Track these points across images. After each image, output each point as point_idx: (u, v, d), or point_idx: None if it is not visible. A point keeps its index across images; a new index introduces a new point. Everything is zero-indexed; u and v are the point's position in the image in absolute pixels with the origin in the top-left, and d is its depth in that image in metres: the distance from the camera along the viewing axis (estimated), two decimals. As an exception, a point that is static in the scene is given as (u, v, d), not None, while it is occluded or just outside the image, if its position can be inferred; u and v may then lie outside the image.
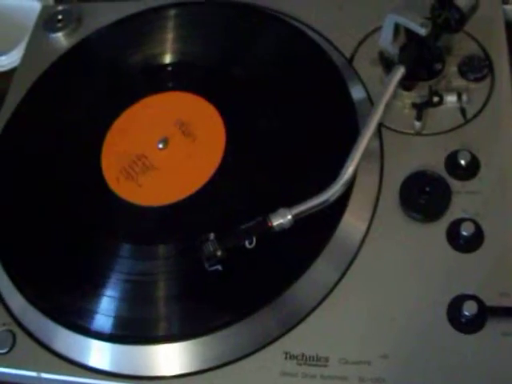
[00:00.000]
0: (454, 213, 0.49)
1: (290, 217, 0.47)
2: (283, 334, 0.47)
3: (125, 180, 0.55)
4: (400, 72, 0.52)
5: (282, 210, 0.47)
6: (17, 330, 0.51)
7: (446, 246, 0.48)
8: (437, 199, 0.50)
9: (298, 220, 0.48)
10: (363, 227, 0.50)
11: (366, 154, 0.50)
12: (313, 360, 0.46)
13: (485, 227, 0.48)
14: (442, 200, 0.49)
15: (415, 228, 0.49)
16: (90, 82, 0.63)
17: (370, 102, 0.55)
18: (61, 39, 0.67)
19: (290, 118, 0.55)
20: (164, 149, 0.56)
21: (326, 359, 0.46)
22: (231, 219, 0.49)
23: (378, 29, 0.58)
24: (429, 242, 0.49)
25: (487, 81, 0.54)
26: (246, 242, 0.47)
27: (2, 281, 0.53)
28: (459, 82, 0.54)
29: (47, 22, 0.68)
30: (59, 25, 0.67)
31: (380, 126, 0.54)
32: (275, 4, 0.63)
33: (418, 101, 0.54)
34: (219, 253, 0.46)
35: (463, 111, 0.53)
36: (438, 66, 0.54)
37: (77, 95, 0.63)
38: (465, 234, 0.48)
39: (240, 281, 0.49)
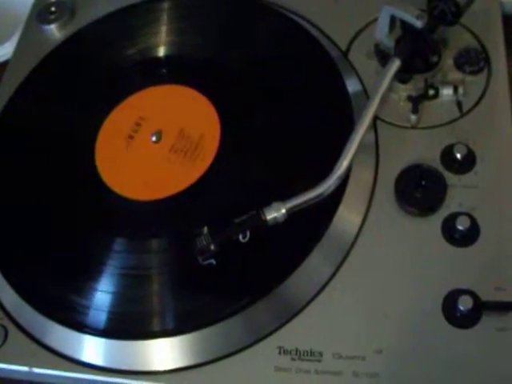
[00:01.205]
0: (449, 207, 0.49)
1: (283, 211, 0.46)
2: (277, 329, 0.47)
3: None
4: (396, 65, 0.52)
5: (275, 204, 0.47)
6: (9, 324, 0.50)
7: (441, 240, 0.48)
8: (432, 193, 0.49)
9: (292, 213, 0.47)
10: (358, 221, 0.50)
11: (361, 148, 0.49)
12: (307, 355, 0.45)
13: (480, 221, 0.48)
14: (438, 194, 0.49)
15: (410, 222, 0.49)
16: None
17: (366, 94, 0.55)
18: (54, 31, 0.66)
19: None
20: (157, 142, 0.56)
21: (320, 354, 0.45)
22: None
23: (373, 21, 0.57)
24: (424, 236, 0.48)
25: (484, 74, 0.54)
26: (240, 236, 0.46)
27: (-6, 275, 0.53)
28: (455, 75, 0.54)
29: (40, 13, 0.67)
30: (52, 17, 0.66)
31: (375, 119, 0.53)
32: (270, -5, 0.62)
33: (413, 94, 0.53)
34: (212, 247, 0.46)
35: (459, 104, 0.53)
36: (434, 59, 0.54)
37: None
38: (460, 228, 0.47)
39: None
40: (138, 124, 0.57)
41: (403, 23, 0.53)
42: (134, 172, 0.55)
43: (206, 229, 0.47)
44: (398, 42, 0.53)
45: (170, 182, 0.53)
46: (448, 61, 0.54)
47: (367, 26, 0.58)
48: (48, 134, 0.59)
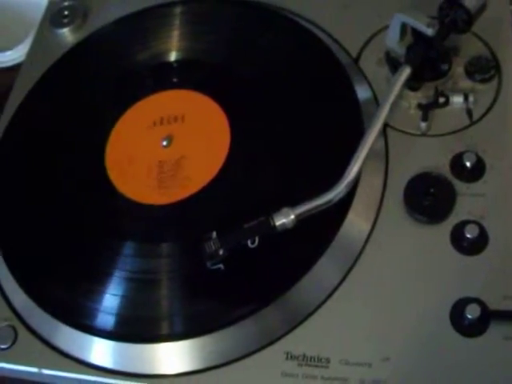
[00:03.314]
0: (458, 215, 0.49)
1: (292, 217, 0.47)
2: (285, 334, 0.47)
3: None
4: (406, 72, 0.52)
5: (285, 210, 0.47)
6: (19, 325, 0.51)
7: (449, 248, 0.48)
8: (441, 201, 0.49)
9: (301, 219, 0.47)
10: (367, 228, 0.50)
11: (371, 155, 0.49)
12: (314, 361, 0.46)
13: (489, 230, 0.48)
14: (447, 202, 0.49)
15: (419, 230, 0.49)
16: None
17: (376, 101, 0.55)
18: (67, 35, 0.67)
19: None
20: (168, 147, 0.56)
21: (328, 360, 0.45)
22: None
23: (384, 28, 0.57)
24: (433, 244, 0.48)
25: (494, 82, 0.54)
26: (248, 242, 0.47)
27: (5, 277, 0.53)
28: (466, 83, 0.54)
29: (53, 17, 0.68)
30: (65, 20, 0.67)
31: (385, 126, 0.53)
32: (281, 2, 0.63)
33: (423, 101, 0.53)
34: (221, 252, 0.46)
35: (469, 112, 0.53)
36: (445, 67, 0.54)
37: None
38: (469, 236, 0.47)
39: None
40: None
41: (414, 31, 0.53)
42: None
43: (214, 234, 0.47)
44: (408, 49, 0.53)
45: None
46: (458, 69, 0.54)
47: (378, 33, 0.58)
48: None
